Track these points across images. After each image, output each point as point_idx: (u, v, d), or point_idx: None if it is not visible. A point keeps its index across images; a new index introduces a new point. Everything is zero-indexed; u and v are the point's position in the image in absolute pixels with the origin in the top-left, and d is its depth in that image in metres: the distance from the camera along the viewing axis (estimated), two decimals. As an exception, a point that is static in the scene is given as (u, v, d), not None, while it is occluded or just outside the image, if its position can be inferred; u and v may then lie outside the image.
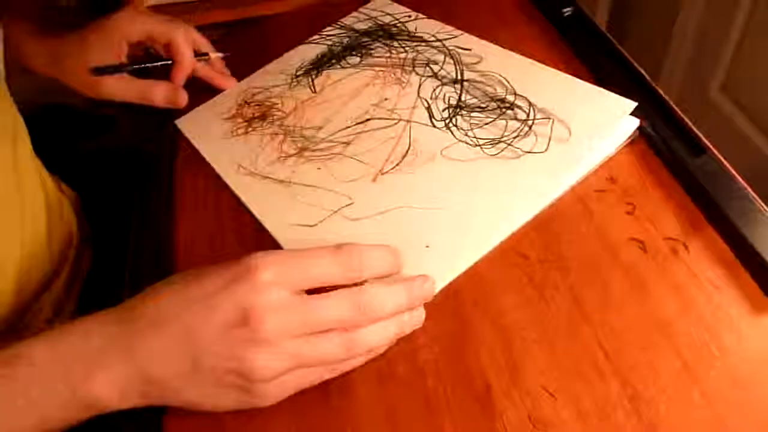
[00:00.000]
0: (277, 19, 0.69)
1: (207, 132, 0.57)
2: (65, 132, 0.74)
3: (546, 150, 0.46)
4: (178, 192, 0.54)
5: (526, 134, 0.48)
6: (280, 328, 0.33)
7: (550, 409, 0.35)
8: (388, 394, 0.38)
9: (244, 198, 0.50)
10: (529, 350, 0.38)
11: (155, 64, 0.59)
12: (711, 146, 0.45)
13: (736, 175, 0.43)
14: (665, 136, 0.46)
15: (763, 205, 0.41)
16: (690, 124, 0.46)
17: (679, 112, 0.47)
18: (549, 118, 0.48)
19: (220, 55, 0.62)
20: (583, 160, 0.45)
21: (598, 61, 0.53)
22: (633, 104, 0.47)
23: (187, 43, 0.57)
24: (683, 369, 0.36)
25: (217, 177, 0.53)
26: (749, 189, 0.42)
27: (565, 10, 0.57)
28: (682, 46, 1.04)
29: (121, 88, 0.56)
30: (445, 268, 0.42)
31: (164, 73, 0.59)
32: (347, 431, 0.37)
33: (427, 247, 0.43)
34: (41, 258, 0.52)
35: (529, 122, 0.48)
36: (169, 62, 0.59)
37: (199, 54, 0.60)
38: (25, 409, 0.33)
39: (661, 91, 0.49)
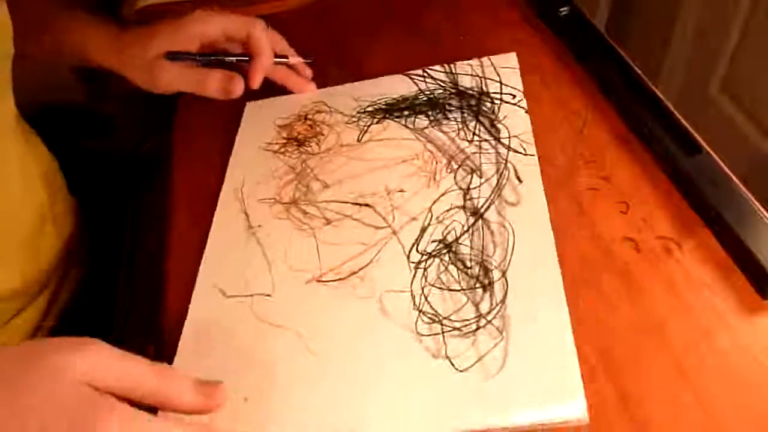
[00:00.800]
0: (278, 18, 0.70)
1: (255, 128, 0.57)
2: (65, 132, 0.75)
3: (466, 369, 0.36)
4: (176, 192, 0.54)
5: (467, 335, 0.38)
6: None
7: (540, 409, 0.35)
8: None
9: (214, 221, 0.50)
10: (521, 350, 0.38)
11: (231, 58, 0.56)
12: (706, 145, 0.44)
13: (731, 175, 0.43)
14: (659, 134, 0.46)
15: (757, 204, 0.41)
16: (684, 122, 0.46)
17: (674, 111, 0.47)
18: (501, 335, 0.37)
19: (302, 60, 0.59)
20: (492, 413, 0.34)
21: (594, 61, 0.53)
22: (581, 398, 0.34)
23: (266, 37, 0.54)
24: (675, 369, 0.36)
25: (216, 177, 0.53)
26: (744, 188, 0.42)
27: (561, 9, 0.57)
28: (682, 46, 1.04)
29: (180, 76, 0.54)
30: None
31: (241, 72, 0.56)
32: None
33: (246, 399, 0.37)
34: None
35: (482, 323, 0.38)
36: (246, 58, 0.55)
37: (278, 56, 0.57)
38: None
39: (654, 89, 0.48)
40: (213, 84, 0.54)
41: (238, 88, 0.54)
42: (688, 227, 0.42)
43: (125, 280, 0.53)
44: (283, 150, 0.54)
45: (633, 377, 0.36)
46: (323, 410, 0.37)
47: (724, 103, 1.00)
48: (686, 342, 0.37)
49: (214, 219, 0.50)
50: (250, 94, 0.57)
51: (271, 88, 0.58)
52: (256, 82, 0.55)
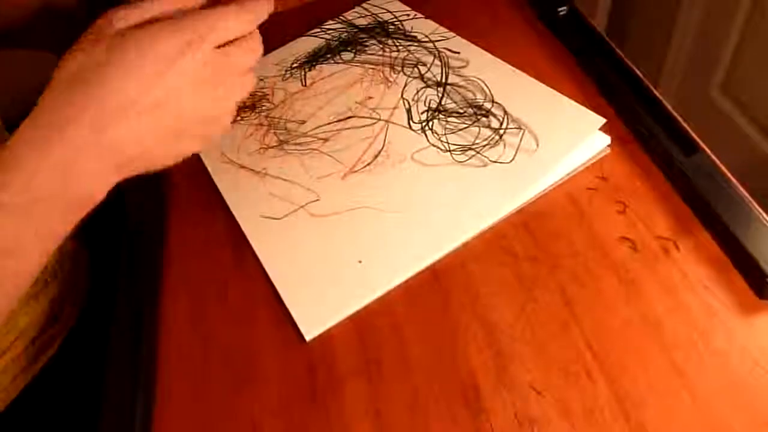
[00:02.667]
0: (277, 17, 0.69)
1: None
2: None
3: (512, 161, 0.47)
4: (174, 193, 0.54)
5: (496, 143, 0.48)
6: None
7: (537, 408, 0.35)
8: (375, 393, 0.38)
9: (219, 186, 0.52)
10: (517, 348, 0.38)
11: None
12: (704, 145, 0.44)
13: (729, 174, 0.43)
14: (657, 134, 0.46)
15: (755, 204, 0.41)
16: (682, 122, 0.46)
17: (672, 111, 0.47)
18: (520, 129, 0.49)
19: None
20: (546, 173, 0.45)
21: (592, 60, 0.52)
22: (601, 120, 0.47)
23: None
24: (672, 369, 0.36)
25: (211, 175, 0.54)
26: (741, 188, 0.42)
27: (560, 9, 0.57)
28: (682, 46, 1.04)
29: None
30: (378, 283, 0.43)
31: None
32: (334, 429, 0.37)
33: (360, 262, 0.44)
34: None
35: (501, 132, 0.49)
36: None
37: None
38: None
39: (653, 89, 0.48)
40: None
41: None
42: (686, 227, 0.42)
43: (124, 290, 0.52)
44: (239, 118, 0.57)
45: (630, 377, 0.36)
46: (421, 241, 0.44)
47: (724, 103, 0.99)
48: (683, 341, 0.37)
49: (219, 187, 0.52)
50: None
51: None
52: None
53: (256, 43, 0.37)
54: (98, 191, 0.33)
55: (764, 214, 0.40)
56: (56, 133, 0.31)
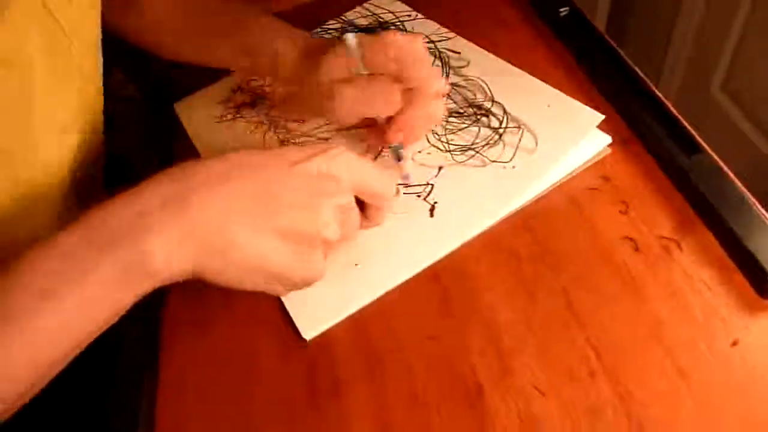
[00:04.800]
0: (278, 16, 0.69)
1: (198, 116, 0.58)
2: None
3: (511, 160, 0.47)
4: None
5: (496, 143, 0.48)
6: (349, 199, 0.36)
7: (539, 408, 0.35)
8: (376, 393, 0.38)
9: None
10: (519, 349, 0.38)
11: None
12: (706, 145, 0.44)
13: (731, 174, 0.43)
14: (659, 134, 0.46)
15: (757, 204, 0.41)
16: (684, 122, 0.46)
17: (674, 110, 0.47)
18: (520, 128, 0.49)
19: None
20: (547, 172, 0.45)
21: (593, 61, 0.52)
22: (600, 117, 0.47)
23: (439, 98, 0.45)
24: (674, 369, 0.36)
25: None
26: (744, 188, 0.42)
27: (561, 9, 0.57)
28: (682, 46, 1.04)
29: (354, 97, 0.43)
30: (376, 285, 0.42)
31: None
32: (337, 429, 0.37)
33: (356, 265, 0.43)
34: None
35: (500, 131, 0.49)
36: None
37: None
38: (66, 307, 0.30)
39: (654, 89, 0.48)
40: (380, 100, 0.44)
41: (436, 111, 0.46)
42: (688, 227, 0.41)
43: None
44: (239, 116, 0.57)
45: (632, 377, 0.36)
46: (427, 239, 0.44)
47: (724, 102, 1.00)
48: (686, 341, 0.37)
49: None
50: (175, 96, 0.60)
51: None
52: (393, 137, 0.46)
53: (378, 220, 0.41)
54: (161, 260, 0.31)
55: (766, 214, 0.40)
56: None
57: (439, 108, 0.46)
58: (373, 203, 0.39)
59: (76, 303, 0.30)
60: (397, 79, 0.43)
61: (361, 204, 0.39)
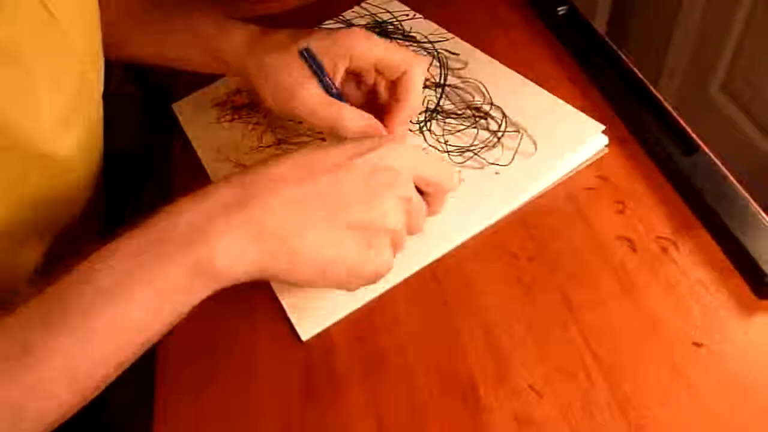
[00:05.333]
0: (275, 19, 0.70)
1: (197, 117, 0.59)
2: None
3: (509, 164, 0.47)
4: (174, 186, 0.55)
5: (494, 145, 0.48)
6: (409, 190, 0.36)
7: (536, 408, 0.35)
8: (374, 393, 0.38)
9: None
10: (517, 349, 0.38)
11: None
12: (704, 145, 0.44)
13: (729, 175, 0.43)
14: (657, 134, 0.46)
15: (755, 204, 0.41)
16: (682, 122, 0.46)
17: (672, 111, 0.47)
18: (518, 132, 0.49)
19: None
20: (543, 177, 0.45)
21: (591, 60, 0.52)
22: (601, 126, 0.47)
23: (421, 82, 0.44)
24: (671, 369, 0.36)
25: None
26: (741, 189, 0.42)
27: (559, 9, 0.57)
28: (682, 46, 1.04)
29: (320, 104, 0.42)
30: (372, 287, 0.40)
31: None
32: (334, 429, 0.37)
33: None
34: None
35: (499, 134, 0.49)
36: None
37: None
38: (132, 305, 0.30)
39: (653, 89, 0.48)
40: (351, 123, 0.42)
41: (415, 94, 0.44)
42: (685, 227, 0.41)
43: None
44: (237, 116, 0.57)
45: (629, 377, 0.36)
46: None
47: (724, 103, 0.99)
48: (683, 342, 0.37)
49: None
50: (175, 96, 0.59)
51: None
52: (393, 130, 0.44)
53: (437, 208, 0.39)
54: (226, 263, 0.31)
55: (763, 214, 0.40)
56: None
57: (420, 95, 0.45)
58: (431, 192, 0.38)
59: (143, 303, 0.30)
60: (379, 71, 0.44)
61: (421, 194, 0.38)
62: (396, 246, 0.36)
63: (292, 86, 0.42)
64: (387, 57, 0.42)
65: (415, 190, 0.36)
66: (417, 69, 0.43)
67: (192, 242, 0.31)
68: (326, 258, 0.33)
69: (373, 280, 0.35)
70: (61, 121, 0.41)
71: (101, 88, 0.47)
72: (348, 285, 0.35)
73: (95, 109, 0.47)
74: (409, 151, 0.37)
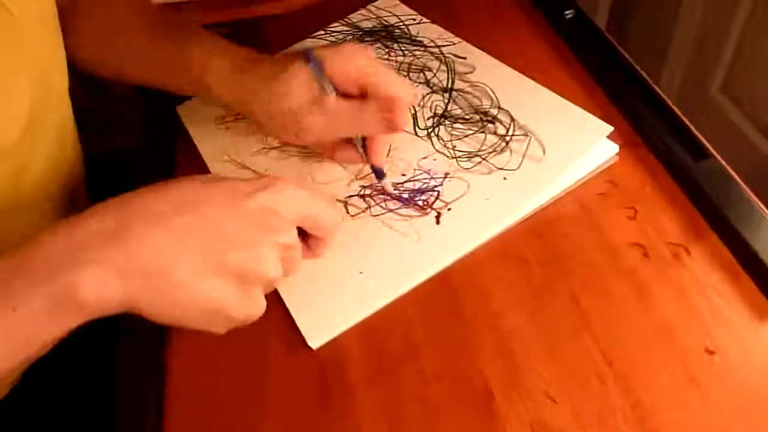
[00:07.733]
0: (279, 20, 0.69)
1: (201, 118, 0.58)
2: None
3: (518, 168, 0.47)
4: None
5: (503, 150, 0.48)
6: (291, 237, 0.36)
7: (551, 415, 0.35)
8: (388, 400, 0.38)
9: None
10: (530, 355, 0.38)
11: None
12: (713, 150, 0.44)
13: (738, 180, 0.43)
14: (667, 139, 0.46)
15: (764, 209, 0.41)
16: (692, 127, 0.46)
17: (681, 116, 0.47)
18: (527, 136, 0.48)
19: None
20: (553, 182, 0.45)
21: (599, 64, 0.52)
22: (609, 128, 0.47)
23: (408, 108, 0.44)
24: (684, 375, 0.36)
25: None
26: (751, 193, 0.42)
27: (566, 12, 0.57)
28: (682, 47, 1.04)
29: (333, 116, 0.43)
30: (380, 295, 0.42)
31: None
32: (348, 436, 0.37)
33: (361, 273, 0.43)
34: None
35: (507, 138, 0.49)
36: None
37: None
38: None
39: (662, 94, 0.48)
40: (372, 118, 0.42)
41: (404, 119, 0.43)
42: (697, 232, 0.42)
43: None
44: (240, 117, 0.56)
45: (642, 382, 0.36)
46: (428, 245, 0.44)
47: (724, 103, 1.00)
48: (695, 347, 0.37)
49: None
50: (178, 99, 0.58)
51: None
52: (374, 158, 0.46)
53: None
54: (86, 285, 0.30)
55: (772, 218, 0.40)
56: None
57: (408, 119, 0.44)
58: (316, 235, 0.39)
59: (1, 333, 0.30)
60: (363, 92, 0.43)
61: (303, 233, 0.38)
62: (267, 289, 0.36)
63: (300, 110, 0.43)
64: (374, 76, 0.42)
65: (297, 237, 0.36)
66: (405, 97, 0.42)
67: (58, 272, 0.30)
68: (197, 298, 0.32)
69: (241, 323, 0.35)
70: (21, 125, 0.41)
71: (65, 85, 0.48)
72: (215, 326, 0.34)
73: (63, 107, 0.47)
74: (298, 195, 0.36)
